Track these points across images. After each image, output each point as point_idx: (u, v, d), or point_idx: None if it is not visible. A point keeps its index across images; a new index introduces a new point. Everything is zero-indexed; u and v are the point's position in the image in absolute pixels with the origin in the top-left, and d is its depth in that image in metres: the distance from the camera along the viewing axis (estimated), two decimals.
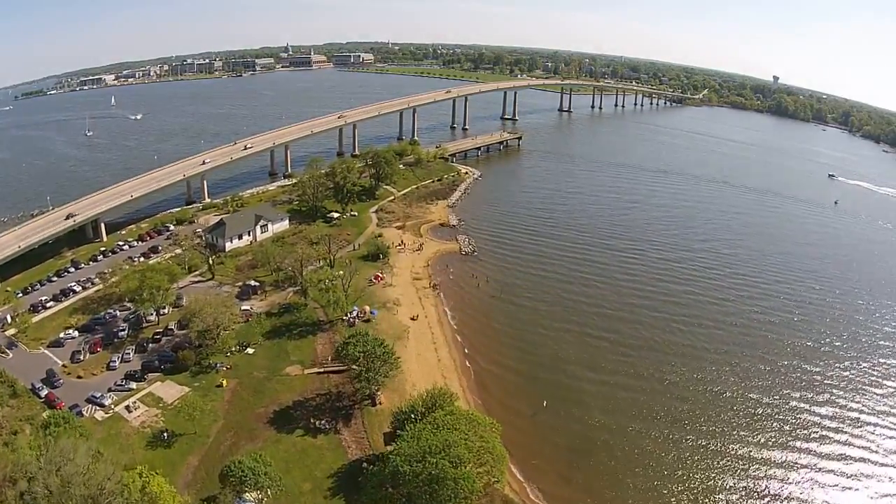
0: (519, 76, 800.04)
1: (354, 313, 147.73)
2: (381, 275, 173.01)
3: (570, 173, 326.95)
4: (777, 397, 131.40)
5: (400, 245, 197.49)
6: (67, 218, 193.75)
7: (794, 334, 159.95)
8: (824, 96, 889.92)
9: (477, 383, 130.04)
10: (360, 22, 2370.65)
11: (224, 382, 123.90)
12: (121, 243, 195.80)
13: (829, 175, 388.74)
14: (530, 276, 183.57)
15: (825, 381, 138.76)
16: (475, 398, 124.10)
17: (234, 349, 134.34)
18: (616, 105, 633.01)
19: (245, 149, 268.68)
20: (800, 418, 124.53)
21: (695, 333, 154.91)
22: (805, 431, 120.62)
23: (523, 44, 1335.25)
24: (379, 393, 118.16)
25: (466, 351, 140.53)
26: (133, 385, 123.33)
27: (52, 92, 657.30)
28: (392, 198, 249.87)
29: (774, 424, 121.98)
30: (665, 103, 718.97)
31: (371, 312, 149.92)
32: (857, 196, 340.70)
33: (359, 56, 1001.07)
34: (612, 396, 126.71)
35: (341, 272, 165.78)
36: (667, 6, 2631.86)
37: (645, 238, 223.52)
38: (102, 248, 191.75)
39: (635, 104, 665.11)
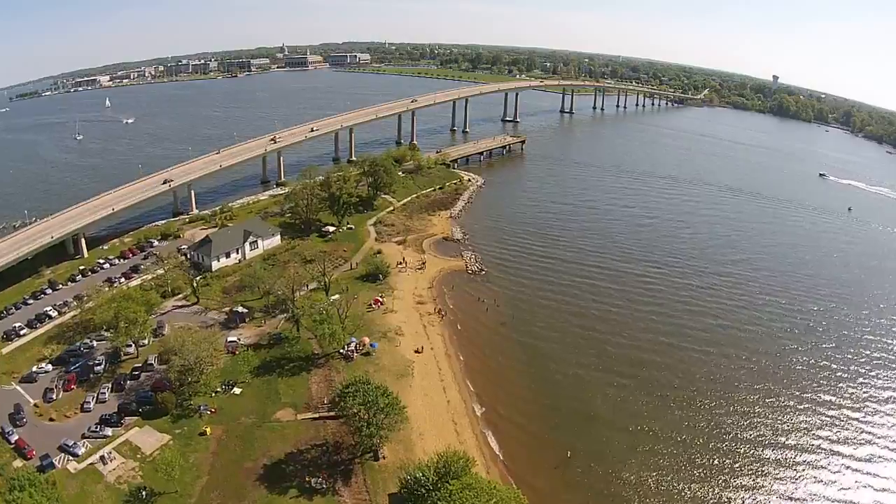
0: (517, 76, 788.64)
1: (352, 346, 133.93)
2: (381, 298, 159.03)
3: (579, 181, 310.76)
4: (818, 451, 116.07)
5: (401, 263, 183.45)
6: (164, 183, 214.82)
7: (835, 374, 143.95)
8: (822, 95, 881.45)
9: (489, 431, 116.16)
10: (357, 22, 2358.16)
11: (208, 430, 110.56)
12: (101, 261, 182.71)
13: (820, 174, 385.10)
14: (541, 300, 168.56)
15: (872, 433, 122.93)
16: (489, 450, 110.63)
17: (219, 389, 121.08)
18: (617, 106, 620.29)
19: (221, 167, 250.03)
20: (853, 479, 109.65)
21: (727, 375, 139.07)
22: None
23: (520, 43, 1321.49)
24: (382, 446, 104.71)
25: (476, 394, 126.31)
26: (109, 432, 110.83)
27: (48, 93, 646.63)
28: (391, 208, 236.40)
29: (826, 491, 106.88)
30: (666, 104, 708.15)
31: (371, 345, 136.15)
32: (859, 199, 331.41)
33: (355, 56, 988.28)
34: (639, 448, 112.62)
35: (337, 296, 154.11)
36: (663, 5, 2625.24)
37: (665, 262, 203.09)
38: (82, 267, 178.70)
39: (637, 105, 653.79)
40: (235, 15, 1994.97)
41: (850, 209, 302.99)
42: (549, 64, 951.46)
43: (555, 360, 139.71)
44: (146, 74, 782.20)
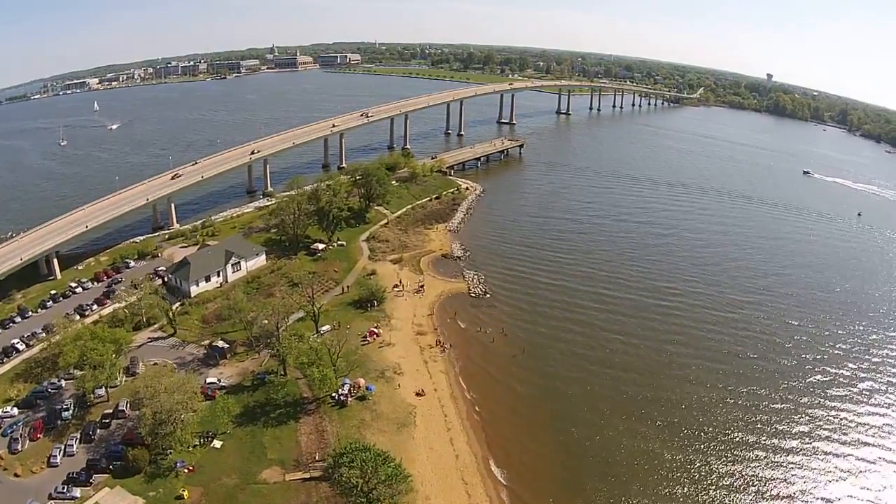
0: (510, 76, 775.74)
1: (346, 388, 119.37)
2: (376, 330, 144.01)
3: (583, 190, 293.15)
4: None
5: (397, 286, 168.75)
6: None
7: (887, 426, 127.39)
8: (816, 93, 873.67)
9: (504, 492, 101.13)
10: (347, 22, 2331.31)
11: (185, 493, 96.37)
12: (73, 285, 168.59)
13: (805, 172, 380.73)
14: (553, 331, 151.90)
15: None
16: None
17: (196, 443, 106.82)
18: (614, 106, 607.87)
19: (174, 178, 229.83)
20: None
21: (768, 430, 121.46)
22: None
23: (511, 43, 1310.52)
24: None
25: (488, 446, 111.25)
26: (77, 492, 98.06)
27: (37, 97, 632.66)
28: (385, 221, 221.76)
29: None
30: (662, 103, 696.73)
31: (367, 388, 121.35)
32: (867, 202, 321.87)
33: (345, 57, 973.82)
34: None
35: (327, 327, 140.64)
36: (653, 4, 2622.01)
37: (685, 291, 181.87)
38: (53, 291, 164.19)
39: (633, 105, 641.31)
40: (226, 15, 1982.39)
41: (859, 214, 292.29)
42: (541, 63, 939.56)
43: (573, 403, 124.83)
44: (135, 77, 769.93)
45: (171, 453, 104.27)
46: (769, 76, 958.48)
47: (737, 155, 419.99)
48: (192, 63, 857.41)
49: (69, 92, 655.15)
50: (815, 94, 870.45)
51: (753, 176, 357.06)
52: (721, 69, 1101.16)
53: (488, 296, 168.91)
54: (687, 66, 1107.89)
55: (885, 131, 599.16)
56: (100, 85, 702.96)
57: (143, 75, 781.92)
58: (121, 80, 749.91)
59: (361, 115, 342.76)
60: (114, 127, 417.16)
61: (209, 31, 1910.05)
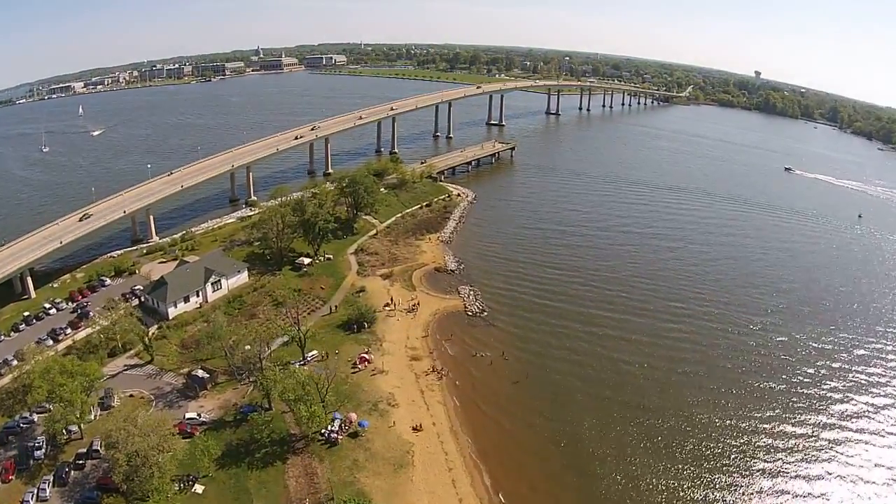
0: (497, 76, 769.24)
1: (336, 424, 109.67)
2: (367, 356, 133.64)
3: (580, 197, 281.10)
4: None
5: (388, 304, 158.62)
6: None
7: None
8: (804, 90, 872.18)
9: None
10: (332, 23, 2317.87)
11: None
12: (47, 305, 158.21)
13: (786, 168, 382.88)
14: (556, 360, 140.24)
15: None
16: None
17: (177, 489, 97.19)
18: (603, 106, 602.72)
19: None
20: None
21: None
22: None
23: (498, 42, 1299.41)
24: None
25: (493, 488, 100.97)
26: None
27: (22, 101, 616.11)
28: (374, 232, 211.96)
29: None
30: (652, 102, 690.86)
31: (360, 424, 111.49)
32: (849, 198, 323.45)
33: (331, 58, 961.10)
34: None
35: (314, 352, 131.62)
36: (640, 2, 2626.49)
37: (694, 311, 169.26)
38: (26, 313, 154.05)
39: (623, 104, 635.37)
40: (211, 17, 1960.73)
41: (860, 216, 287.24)
42: (528, 63, 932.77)
43: (580, 439, 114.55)
44: (120, 80, 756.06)
45: (150, 498, 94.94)
46: (757, 73, 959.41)
47: (732, 155, 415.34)
48: (176, 66, 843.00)
49: (55, 96, 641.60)
50: (804, 91, 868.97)
51: (749, 177, 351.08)
52: (708, 67, 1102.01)
53: (485, 314, 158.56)
54: (674, 64, 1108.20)
55: (875, 129, 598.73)
56: (85, 89, 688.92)
57: (128, 78, 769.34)
58: (106, 83, 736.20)
59: (311, 129, 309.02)
60: (96, 133, 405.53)
61: (194, 34, 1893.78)
